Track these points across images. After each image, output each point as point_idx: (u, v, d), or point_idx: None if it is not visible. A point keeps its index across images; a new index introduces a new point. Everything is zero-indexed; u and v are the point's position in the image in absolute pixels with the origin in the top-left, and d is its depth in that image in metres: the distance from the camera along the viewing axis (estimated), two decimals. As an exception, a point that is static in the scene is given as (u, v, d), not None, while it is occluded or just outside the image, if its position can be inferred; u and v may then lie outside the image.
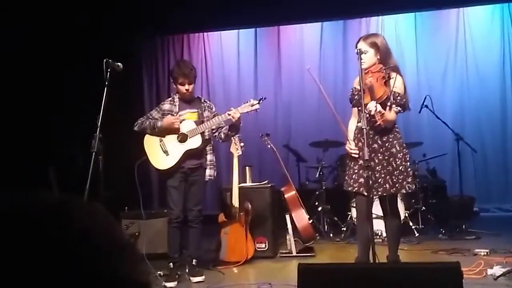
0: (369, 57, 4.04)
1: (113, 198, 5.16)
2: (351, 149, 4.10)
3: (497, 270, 4.14)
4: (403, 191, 4.10)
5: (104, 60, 3.83)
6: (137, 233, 5.43)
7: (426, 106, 6.28)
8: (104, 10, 7.18)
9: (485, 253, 4.95)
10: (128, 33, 7.83)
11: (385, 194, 4.04)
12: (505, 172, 8.04)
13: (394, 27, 8.37)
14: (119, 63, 3.92)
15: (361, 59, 3.97)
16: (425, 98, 6.31)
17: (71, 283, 0.58)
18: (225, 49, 8.92)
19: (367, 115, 3.89)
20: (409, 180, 4.06)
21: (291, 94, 8.66)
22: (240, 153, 5.28)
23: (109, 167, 3.69)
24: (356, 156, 4.05)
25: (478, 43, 8.18)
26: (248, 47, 8.86)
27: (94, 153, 3.53)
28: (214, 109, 4.88)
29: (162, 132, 4.66)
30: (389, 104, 3.85)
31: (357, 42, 4.12)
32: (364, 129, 3.78)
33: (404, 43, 8.27)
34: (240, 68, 8.86)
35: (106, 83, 3.77)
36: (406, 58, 8.26)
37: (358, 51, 3.96)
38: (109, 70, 3.81)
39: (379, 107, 3.79)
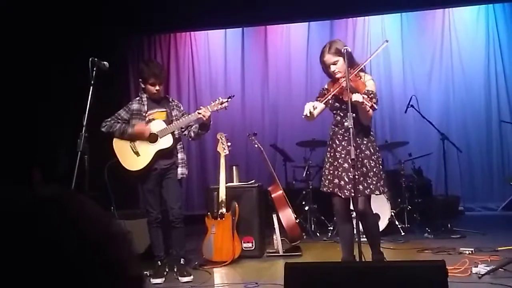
0: (341, 64, 4.09)
1: (99, 198, 5.16)
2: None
3: (482, 269, 4.18)
4: (377, 192, 4.16)
5: (90, 59, 3.80)
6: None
7: (412, 106, 6.32)
8: (90, 9, 7.13)
9: (470, 252, 4.99)
10: (115, 32, 7.78)
11: (359, 195, 4.08)
12: (490, 171, 8.11)
13: (381, 28, 8.41)
14: (105, 62, 3.90)
15: (348, 59, 3.99)
16: (411, 98, 6.36)
17: (62, 273, 0.58)
18: (212, 49, 8.91)
19: (338, 115, 3.94)
20: (382, 183, 4.13)
21: (278, 93, 8.67)
22: (227, 152, 5.28)
23: (95, 167, 3.66)
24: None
25: (464, 43, 8.25)
26: (235, 46, 8.85)
27: (79, 152, 3.51)
28: (182, 108, 4.90)
29: (132, 138, 4.64)
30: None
31: (322, 57, 4.12)
32: (351, 129, 3.80)
33: (390, 43, 8.27)
34: (227, 68, 8.85)
35: (92, 82, 3.75)
36: (392, 58, 8.31)
37: (345, 50, 3.98)
38: (95, 69, 3.79)
39: (365, 96, 3.83)
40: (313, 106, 3.95)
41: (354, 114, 4.00)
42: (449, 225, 6.16)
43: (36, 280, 0.57)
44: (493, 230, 6.14)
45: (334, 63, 4.08)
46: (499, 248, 5.03)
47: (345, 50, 3.99)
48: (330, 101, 4.16)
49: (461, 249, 5.11)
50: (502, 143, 8.07)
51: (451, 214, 6.65)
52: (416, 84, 8.22)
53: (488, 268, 4.14)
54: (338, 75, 4.07)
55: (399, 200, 6.52)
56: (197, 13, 7.67)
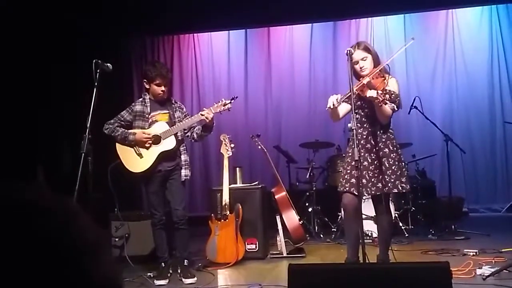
0: (369, 62, 4.10)
1: (103, 199, 5.17)
2: None
3: (486, 270, 4.16)
4: (395, 190, 4.13)
5: (94, 61, 3.81)
6: (127, 235, 5.41)
7: (416, 107, 6.31)
8: (93, 10, 7.15)
9: (474, 253, 4.97)
10: (118, 34, 7.80)
11: (378, 193, 4.08)
12: (494, 172, 8.10)
13: (384, 29, 8.41)
14: (108, 64, 3.91)
15: (351, 60, 3.99)
16: (414, 99, 6.35)
17: (35, 276, 0.57)
18: (215, 50, 8.92)
19: (358, 114, 3.91)
20: (403, 180, 4.10)
21: (281, 95, 8.68)
22: (231, 154, 5.28)
23: (98, 168, 3.67)
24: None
25: (467, 44, 8.24)
26: (238, 48, 8.86)
27: (83, 154, 3.51)
28: (185, 110, 4.89)
29: (132, 145, 4.63)
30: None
31: (351, 53, 4.08)
32: (354, 129, 3.81)
33: (393, 45, 8.31)
34: (230, 69, 8.86)
35: (96, 84, 3.76)
36: (395, 59, 8.23)
37: (348, 52, 3.98)
38: (98, 71, 3.80)
39: (379, 92, 3.83)
40: (337, 99, 3.94)
41: (368, 113, 4.04)
42: (453, 227, 6.15)
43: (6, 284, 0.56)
44: (498, 231, 6.12)
45: (363, 59, 4.07)
46: (503, 250, 5.01)
47: (348, 51, 3.99)
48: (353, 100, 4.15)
49: (465, 250, 5.10)
50: (506, 144, 8.05)
51: (455, 215, 6.63)
52: (419, 85, 8.22)
53: (493, 270, 4.13)
54: (364, 72, 4.06)
55: (403, 201, 6.51)
56: (200, 15, 7.68)
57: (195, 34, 8.88)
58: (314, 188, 6.71)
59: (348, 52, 3.99)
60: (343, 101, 4.09)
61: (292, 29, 8.70)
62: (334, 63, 8.39)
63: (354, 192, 4.04)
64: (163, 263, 4.71)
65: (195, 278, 4.60)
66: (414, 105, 6.32)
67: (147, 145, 4.59)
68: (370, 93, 3.83)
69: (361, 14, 8.20)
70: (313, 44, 8.62)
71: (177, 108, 4.81)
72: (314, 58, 8.59)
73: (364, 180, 4.03)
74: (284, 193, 5.65)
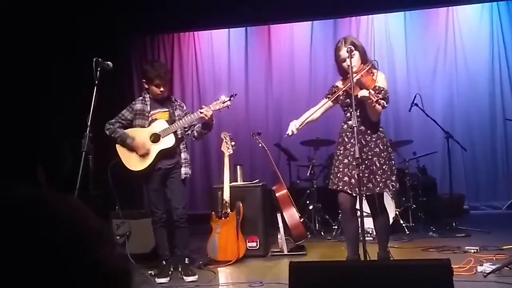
0: (357, 58, 4.08)
1: (104, 197, 5.18)
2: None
3: (487, 267, 4.17)
4: (386, 190, 4.14)
5: (94, 59, 3.81)
6: (128, 233, 5.42)
7: (416, 105, 6.30)
8: (93, 8, 7.14)
9: (475, 251, 4.97)
10: (118, 32, 7.79)
11: (368, 193, 4.07)
12: (495, 169, 8.09)
13: (384, 26, 8.40)
14: (109, 62, 3.91)
15: (351, 57, 3.98)
16: (415, 96, 6.34)
17: (45, 271, 0.58)
18: (215, 48, 8.91)
19: (356, 112, 3.93)
20: (393, 178, 4.10)
21: (282, 93, 8.67)
22: (231, 152, 5.28)
23: (99, 166, 3.67)
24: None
25: (468, 41, 8.22)
26: (238, 46, 8.85)
27: (84, 152, 3.51)
28: (185, 108, 4.89)
29: (129, 148, 4.63)
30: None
31: (338, 51, 4.10)
32: (355, 127, 3.80)
33: (394, 42, 8.31)
34: (230, 67, 8.85)
35: (96, 82, 3.76)
36: (396, 57, 8.29)
37: (349, 49, 3.97)
38: (99, 69, 3.80)
39: (371, 91, 3.82)
40: (295, 126, 4.10)
41: (358, 113, 4.01)
42: (454, 224, 6.15)
43: (17, 280, 0.57)
44: (498, 228, 6.11)
45: (352, 57, 4.03)
46: (504, 247, 5.01)
47: (349, 49, 3.98)
48: (341, 98, 4.16)
49: (466, 247, 5.10)
50: (507, 141, 8.04)
51: (456, 212, 6.63)
52: (420, 83, 8.20)
53: (494, 267, 4.13)
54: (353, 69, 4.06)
55: (404, 199, 6.50)
56: (200, 13, 7.67)
57: (195, 32, 8.87)
58: (314, 186, 6.71)
59: (349, 49, 3.98)
60: (332, 100, 4.14)
61: (293, 26, 8.68)
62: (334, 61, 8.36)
63: (347, 190, 4.04)
64: (164, 261, 4.72)
65: (196, 276, 4.61)
66: (415, 102, 6.31)
67: (139, 153, 4.59)
68: (362, 93, 3.81)
69: (362, 12, 8.19)
70: (313, 42, 8.60)
71: (177, 106, 4.81)
72: (315, 55, 8.57)
73: (353, 180, 4.02)
74: (285, 190, 5.65)
